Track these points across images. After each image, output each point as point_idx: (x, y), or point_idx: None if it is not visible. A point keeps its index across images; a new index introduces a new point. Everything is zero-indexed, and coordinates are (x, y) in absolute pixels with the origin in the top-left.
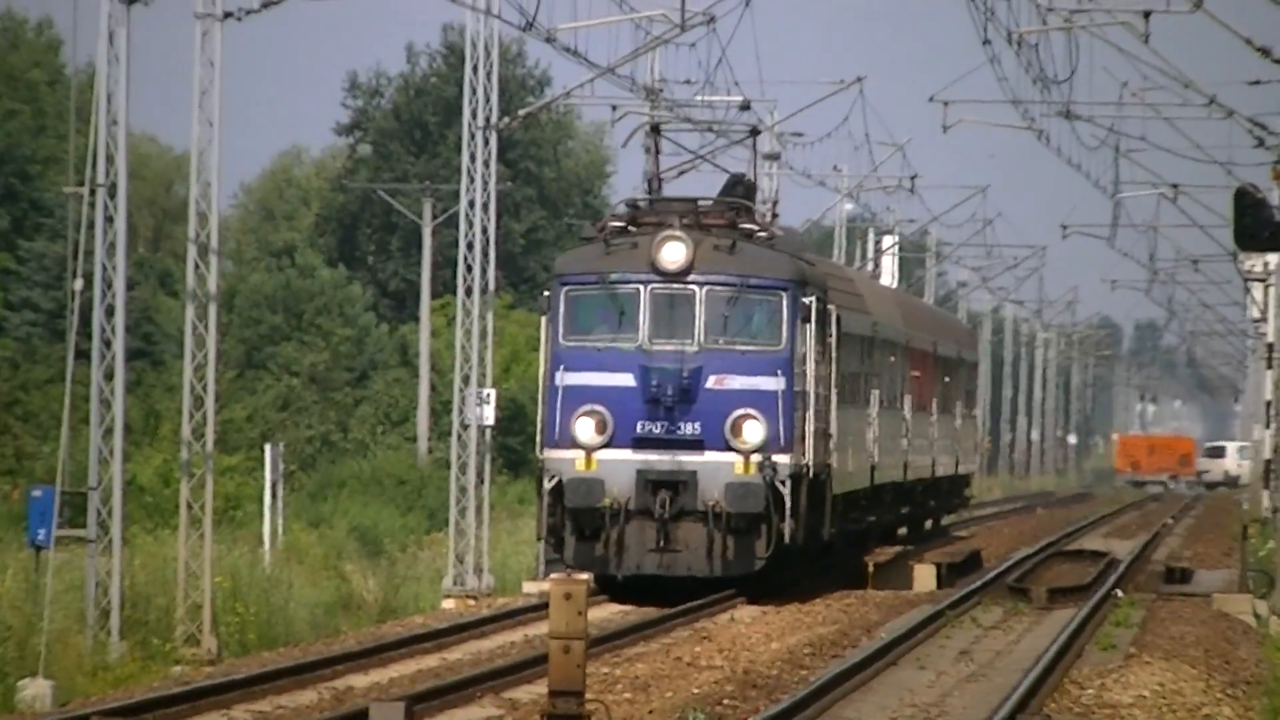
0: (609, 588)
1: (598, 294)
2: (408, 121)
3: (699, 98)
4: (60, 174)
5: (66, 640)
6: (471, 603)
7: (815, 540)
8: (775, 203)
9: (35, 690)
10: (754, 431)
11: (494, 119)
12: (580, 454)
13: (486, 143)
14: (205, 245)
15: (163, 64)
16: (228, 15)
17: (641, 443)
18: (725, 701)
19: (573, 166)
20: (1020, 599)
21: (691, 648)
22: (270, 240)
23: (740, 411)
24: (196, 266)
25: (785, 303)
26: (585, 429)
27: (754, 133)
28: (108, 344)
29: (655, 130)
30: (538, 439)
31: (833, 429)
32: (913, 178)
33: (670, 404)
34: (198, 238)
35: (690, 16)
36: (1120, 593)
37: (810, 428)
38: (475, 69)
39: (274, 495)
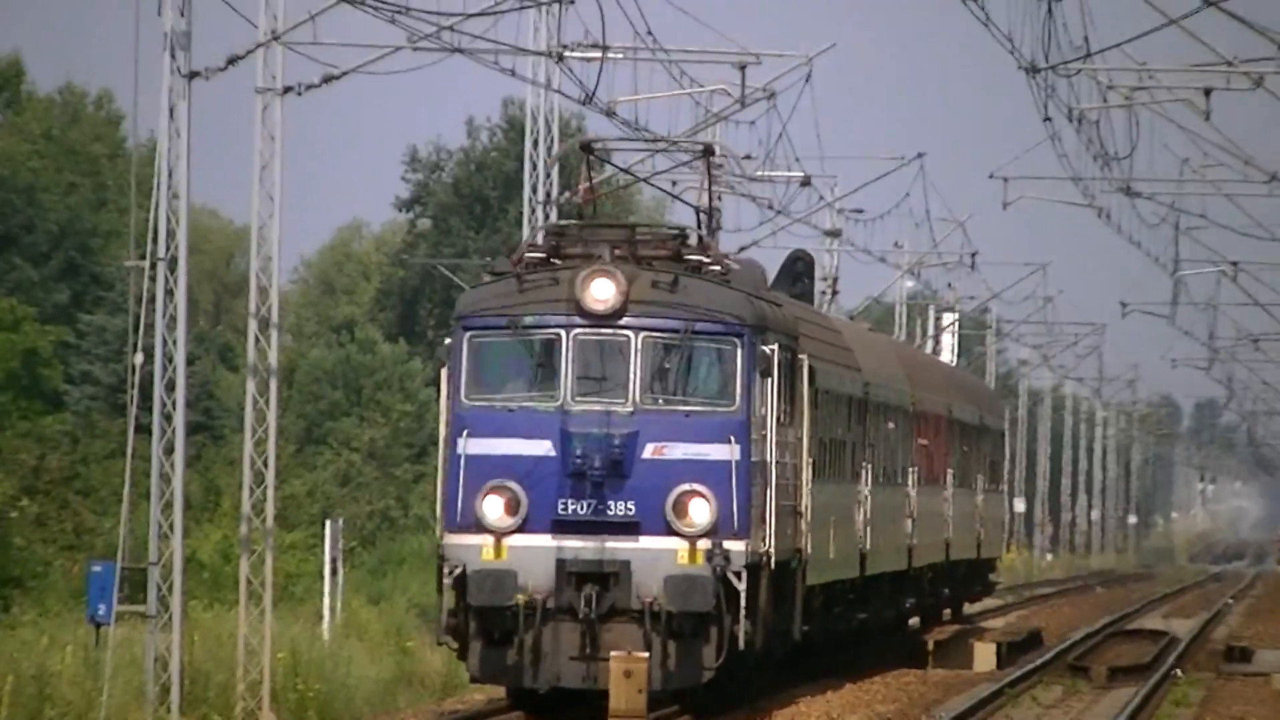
0: (525, 701)
1: (509, 341)
2: (468, 196)
3: (760, 173)
4: (121, 247)
5: (126, 716)
6: None
7: (781, 644)
8: (835, 279)
9: None
10: (701, 511)
11: (554, 193)
12: (487, 539)
13: (547, 217)
14: (266, 319)
15: (223, 138)
16: (288, 90)
17: (563, 526)
18: None
19: None
20: (1080, 677)
21: None
22: (330, 315)
23: (684, 487)
24: (257, 341)
25: (740, 352)
26: (493, 508)
27: (708, 153)
28: (168, 418)
29: (586, 149)
30: (437, 521)
31: (804, 507)
32: (973, 254)
33: (598, 478)
34: (258, 312)
35: (750, 92)
36: (1180, 672)
37: (772, 507)
38: (535, 143)
39: (334, 571)
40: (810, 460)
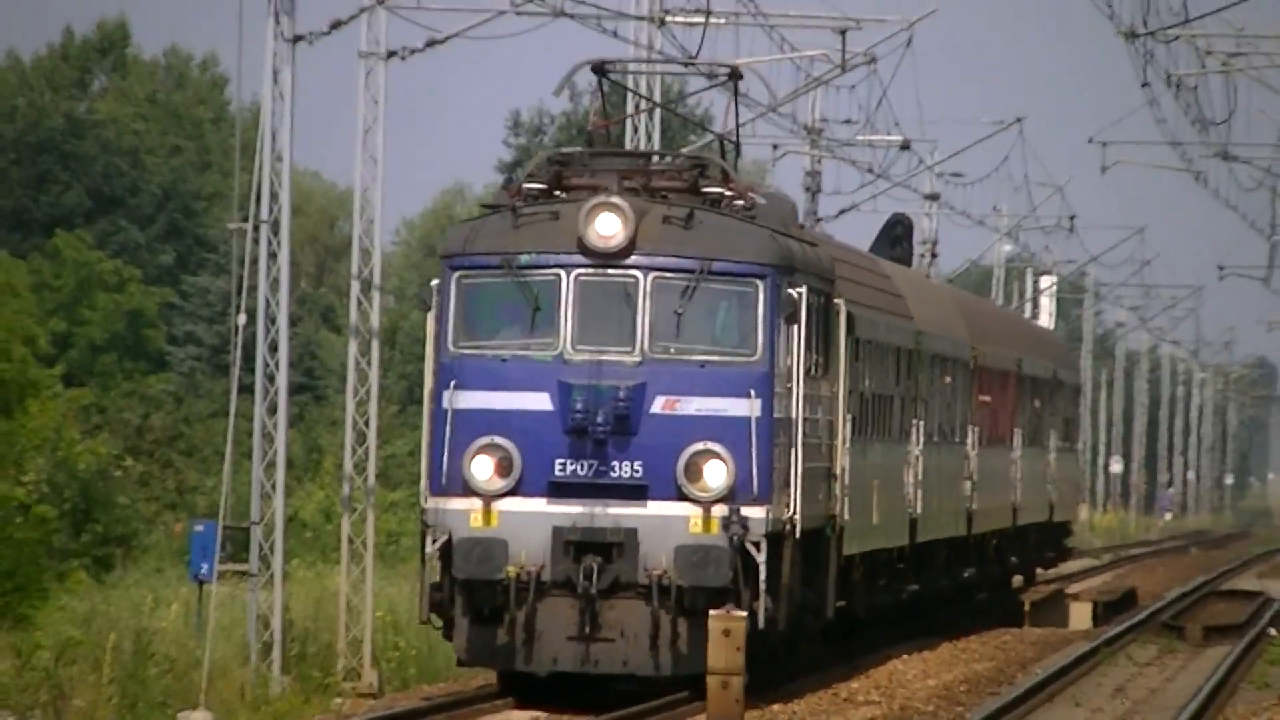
0: (517, 686)
1: (502, 283)
2: None
3: (859, 137)
4: (224, 210)
5: (228, 673)
6: None
7: (812, 621)
8: (935, 242)
9: None
10: (716, 474)
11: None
12: (475, 504)
13: None
14: (368, 281)
15: (327, 101)
16: (391, 54)
17: (560, 489)
18: None
19: None
20: (1175, 637)
21: (848, 683)
22: (432, 277)
23: (698, 446)
24: (359, 303)
25: (762, 295)
26: (482, 469)
27: (734, 76)
28: (270, 379)
29: (599, 72)
30: (421, 483)
31: (840, 469)
32: (1071, 218)
33: (601, 435)
34: (360, 274)
35: (851, 57)
36: (1274, 631)
37: (799, 468)
38: (637, 107)
39: None
40: (848, 417)
